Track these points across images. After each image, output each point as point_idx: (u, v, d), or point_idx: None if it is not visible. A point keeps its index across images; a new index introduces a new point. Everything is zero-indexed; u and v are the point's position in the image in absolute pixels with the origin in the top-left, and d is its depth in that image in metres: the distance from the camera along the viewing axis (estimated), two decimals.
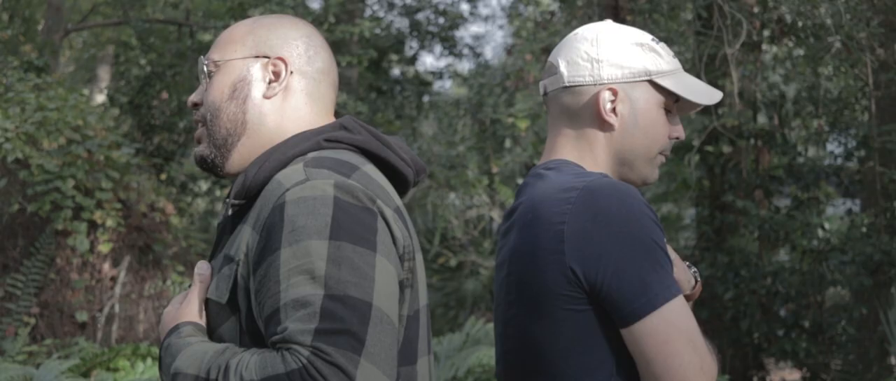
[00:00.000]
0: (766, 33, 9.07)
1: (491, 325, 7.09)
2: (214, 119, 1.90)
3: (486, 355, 6.06)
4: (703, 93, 2.13)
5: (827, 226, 8.99)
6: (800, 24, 8.70)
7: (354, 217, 1.68)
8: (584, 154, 2.11)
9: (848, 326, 8.95)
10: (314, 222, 1.65)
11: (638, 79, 2.08)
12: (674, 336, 1.87)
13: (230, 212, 1.86)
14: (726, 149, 9.35)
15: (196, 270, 1.87)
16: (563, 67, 2.11)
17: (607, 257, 1.89)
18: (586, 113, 2.10)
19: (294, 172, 1.74)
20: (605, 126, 2.09)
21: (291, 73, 1.91)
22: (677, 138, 2.15)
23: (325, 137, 1.85)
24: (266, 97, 1.90)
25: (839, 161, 9.84)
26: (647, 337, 1.88)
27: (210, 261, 1.88)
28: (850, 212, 9.58)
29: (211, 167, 1.93)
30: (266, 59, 1.91)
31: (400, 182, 1.94)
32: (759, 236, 9.46)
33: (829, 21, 8.04)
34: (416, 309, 1.83)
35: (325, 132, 1.86)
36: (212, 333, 1.82)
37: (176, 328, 1.82)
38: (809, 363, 9.19)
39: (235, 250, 1.78)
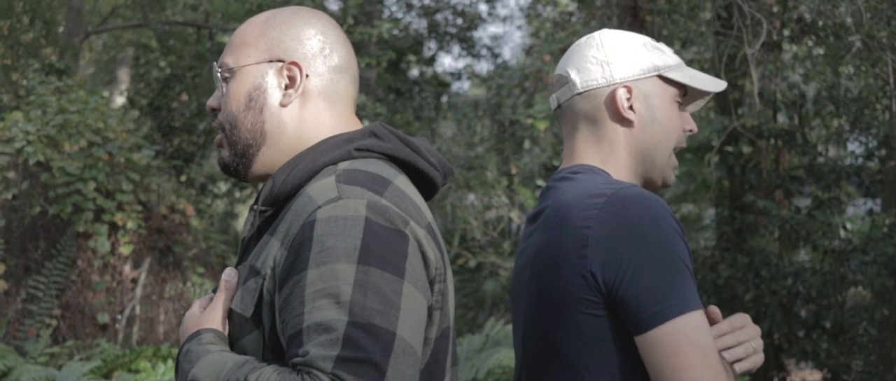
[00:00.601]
0: (787, 33, 9.03)
1: (511, 326, 7.07)
2: (234, 129, 1.87)
3: (506, 356, 6.06)
4: (708, 82, 2.17)
5: (849, 226, 8.94)
6: (820, 23, 8.65)
7: (385, 241, 1.64)
8: (606, 157, 2.12)
9: (869, 326, 8.90)
10: (343, 244, 1.62)
11: (648, 75, 2.12)
12: (686, 349, 1.85)
13: (257, 220, 1.84)
14: (746, 149, 9.32)
15: (224, 276, 1.84)
16: (574, 75, 2.15)
17: (627, 264, 1.89)
18: (604, 114, 2.12)
19: (326, 187, 1.71)
20: (624, 123, 2.12)
21: (307, 76, 1.86)
22: (691, 131, 2.19)
23: (355, 146, 1.81)
24: (283, 105, 1.86)
25: (860, 161, 9.78)
26: (658, 348, 1.86)
27: (236, 267, 1.86)
28: (871, 212, 9.52)
29: (234, 173, 1.91)
30: (280, 64, 1.87)
31: (428, 186, 1.92)
32: (779, 236, 9.41)
33: (849, 20, 8.00)
34: (445, 327, 1.81)
35: (355, 141, 1.83)
36: (233, 344, 1.80)
37: (197, 333, 1.80)
38: (830, 364, 9.14)
39: (262, 263, 1.75)
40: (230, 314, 1.80)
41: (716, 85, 2.16)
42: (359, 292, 1.59)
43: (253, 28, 1.90)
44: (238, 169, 1.89)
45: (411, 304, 1.64)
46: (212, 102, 1.91)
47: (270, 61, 1.87)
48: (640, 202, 1.94)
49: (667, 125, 2.13)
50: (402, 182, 1.80)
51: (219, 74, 1.89)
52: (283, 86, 1.86)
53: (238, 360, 1.70)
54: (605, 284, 1.91)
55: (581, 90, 2.13)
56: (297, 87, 1.85)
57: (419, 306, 1.66)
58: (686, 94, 2.18)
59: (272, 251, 1.73)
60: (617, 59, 2.12)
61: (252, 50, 1.88)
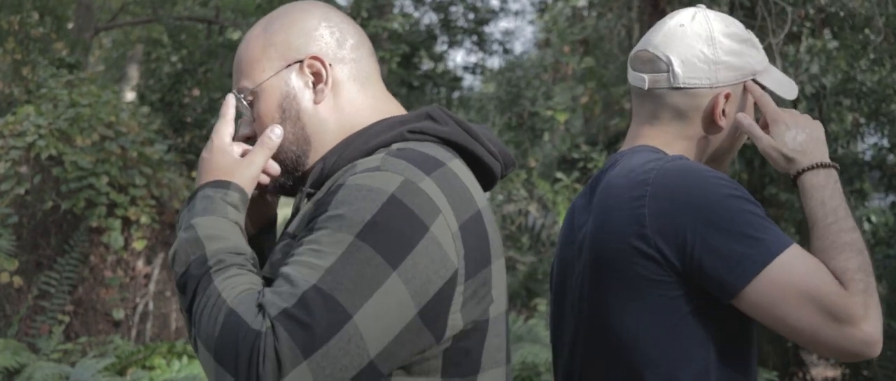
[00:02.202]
0: (808, 24, 8.93)
1: (533, 321, 6.98)
2: (278, 149, 1.77)
3: (530, 352, 5.94)
4: (787, 86, 2.08)
5: (873, 219, 8.84)
6: (841, 14, 8.55)
7: (397, 226, 1.54)
8: (675, 149, 2.03)
9: (891, 321, 8.79)
10: (355, 215, 1.54)
11: (746, 79, 2.03)
12: (779, 299, 1.76)
13: (305, 200, 1.74)
14: None
15: (268, 131, 1.76)
16: (677, 66, 2.01)
17: (694, 235, 1.79)
18: (697, 115, 2.02)
19: (373, 159, 1.63)
20: (712, 128, 2.02)
21: (330, 66, 1.77)
22: None
23: (409, 127, 1.72)
24: (317, 103, 1.77)
25: (881, 154, 9.69)
26: (754, 308, 1.78)
27: (276, 244, 1.75)
28: (894, 205, 9.44)
29: (293, 191, 1.82)
30: (299, 64, 1.77)
31: (487, 176, 1.81)
32: (800, 229, 9.31)
33: (874, 10, 7.90)
34: (483, 320, 1.67)
35: (409, 123, 1.74)
36: None
37: (226, 184, 1.73)
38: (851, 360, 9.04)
39: (295, 228, 1.68)
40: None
41: (791, 92, 2.07)
42: (340, 264, 1.50)
43: (255, 42, 1.81)
44: (295, 186, 1.80)
45: (388, 299, 1.52)
46: (246, 131, 1.81)
47: (288, 66, 1.77)
48: (687, 170, 1.86)
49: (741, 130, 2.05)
50: (458, 166, 1.69)
51: (243, 101, 1.80)
52: (310, 84, 1.77)
53: (239, 246, 1.65)
54: (680, 260, 1.81)
55: (682, 85, 2.01)
56: (326, 80, 1.76)
57: (400, 306, 1.53)
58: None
59: (304, 213, 1.67)
60: (726, 61, 2.00)
61: (265, 62, 1.79)
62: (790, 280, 1.75)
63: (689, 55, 2.00)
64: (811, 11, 8.60)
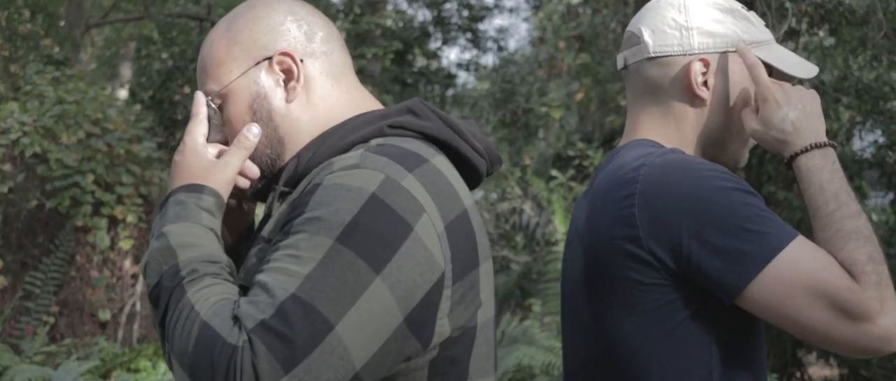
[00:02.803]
0: (806, 20, 8.86)
1: (527, 322, 6.88)
2: (251, 154, 1.68)
3: (526, 355, 5.82)
4: (798, 65, 1.91)
5: (874, 217, 8.77)
6: (840, 9, 8.48)
7: (379, 227, 1.45)
8: (669, 133, 1.89)
9: None
10: (334, 216, 1.45)
11: (730, 48, 1.87)
12: (786, 297, 1.63)
13: (278, 199, 1.65)
14: None
15: (245, 129, 1.66)
16: (647, 36, 1.89)
17: (689, 234, 1.66)
18: (675, 87, 1.88)
19: (352, 156, 1.54)
20: (695, 101, 1.87)
21: (301, 61, 1.68)
22: None
23: (389, 122, 1.63)
24: (289, 102, 1.68)
25: (881, 152, 9.63)
26: (759, 308, 1.66)
27: (250, 249, 1.66)
28: (893, 203, 9.38)
29: (266, 195, 1.72)
30: (267, 61, 1.68)
31: (472, 174, 1.71)
32: (799, 227, 9.25)
33: (874, 6, 7.83)
34: (471, 326, 1.58)
35: (390, 117, 1.65)
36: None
37: (201, 188, 1.63)
38: (851, 360, 9.01)
39: (269, 231, 1.59)
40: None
41: (807, 70, 1.92)
42: (320, 270, 1.42)
43: (219, 42, 1.71)
44: (271, 187, 1.70)
45: (373, 306, 1.43)
46: (217, 137, 1.71)
47: (256, 64, 1.68)
48: (677, 165, 1.72)
49: (741, 106, 1.89)
50: (441, 163, 1.60)
51: (211, 105, 1.69)
52: (281, 82, 1.68)
53: (213, 254, 1.55)
54: (675, 263, 1.67)
55: (653, 55, 1.88)
56: (297, 76, 1.68)
57: (385, 312, 1.44)
58: (770, 74, 1.90)
59: (278, 215, 1.60)
60: (699, 25, 1.86)
61: (230, 63, 1.69)
62: (796, 276, 1.63)
63: (660, 24, 1.89)
64: (809, 7, 8.53)
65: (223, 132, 1.71)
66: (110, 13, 14.41)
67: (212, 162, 1.66)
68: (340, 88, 1.71)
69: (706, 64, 1.85)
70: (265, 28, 1.70)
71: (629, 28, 1.96)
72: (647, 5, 1.96)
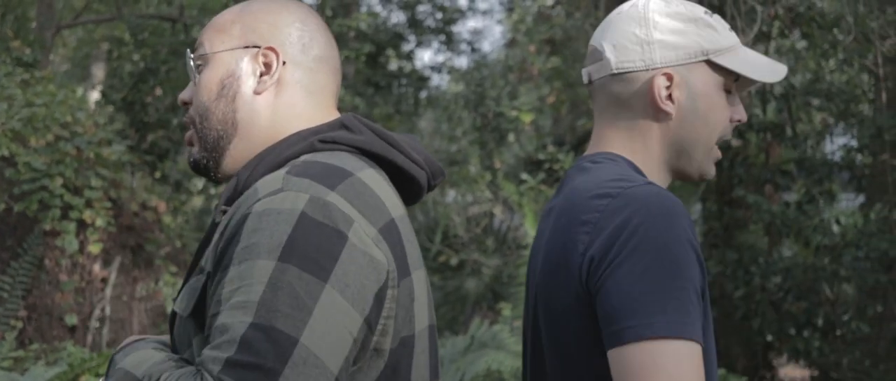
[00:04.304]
0: (777, 24, 8.91)
1: (497, 327, 6.88)
2: (204, 120, 1.75)
3: (494, 359, 5.81)
4: (765, 69, 1.88)
5: (842, 220, 8.81)
6: (810, 13, 8.54)
7: (315, 240, 1.49)
8: (635, 147, 1.86)
9: (861, 323, 8.77)
10: (268, 239, 1.48)
11: (694, 60, 1.84)
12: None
13: (219, 219, 1.68)
14: (735, 142, 9.17)
15: None
16: (609, 52, 1.87)
17: (614, 261, 1.61)
18: (639, 102, 1.85)
19: (274, 179, 1.57)
20: (660, 115, 1.85)
21: (283, 63, 1.74)
22: (739, 121, 1.91)
23: (320, 137, 1.67)
24: (256, 93, 1.73)
25: (850, 154, 9.68)
26: (622, 372, 1.57)
27: (191, 269, 1.70)
28: (863, 206, 9.43)
29: (204, 171, 1.78)
30: (256, 50, 1.74)
31: (411, 185, 1.75)
32: (768, 231, 9.30)
33: (840, 10, 7.88)
34: (407, 336, 1.61)
35: (321, 132, 1.69)
36: (183, 350, 1.65)
37: (143, 339, 1.73)
38: (820, 362, 9.05)
39: (206, 260, 1.61)
40: (174, 318, 1.68)
41: (774, 73, 1.88)
42: (269, 292, 1.45)
43: (228, 15, 1.80)
44: (208, 166, 1.77)
45: (329, 311, 1.47)
46: (184, 95, 1.80)
47: (245, 47, 1.75)
48: (652, 205, 1.66)
49: (710, 118, 1.86)
50: (369, 176, 1.64)
51: (192, 63, 1.78)
52: (257, 73, 1.75)
53: (165, 357, 1.62)
54: (589, 287, 1.65)
55: (615, 71, 1.86)
56: (273, 73, 1.73)
57: (342, 314, 1.48)
58: (737, 79, 1.89)
59: (212, 245, 1.61)
60: (660, 39, 1.83)
61: (226, 36, 1.77)
62: (674, 370, 1.53)
63: (621, 39, 1.86)
64: (780, 11, 8.58)
65: (191, 90, 1.78)
66: (82, 14, 14.32)
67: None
68: (309, 104, 1.75)
69: (669, 77, 1.82)
70: (270, 21, 1.76)
71: (592, 42, 1.94)
72: (609, 18, 1.93)
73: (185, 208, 12.02)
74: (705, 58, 1.84)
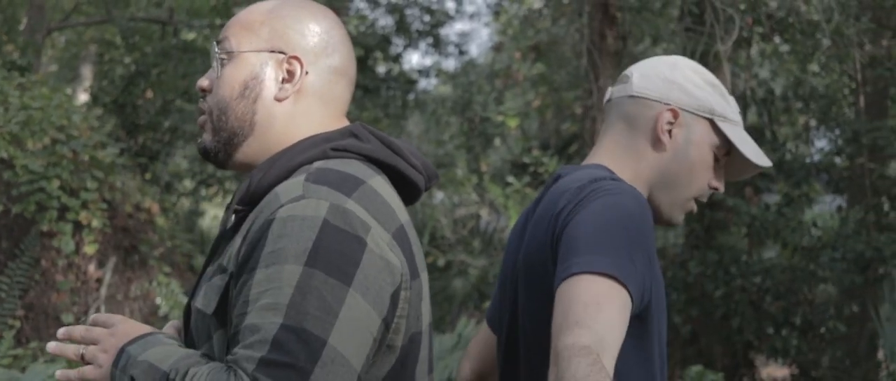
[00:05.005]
0: (759, 30, 9.07)
1: (483, 325, 6.99)
2: (222, 115, 1.82)
3: None
4: (755, 151, 2.12)
5: (819, 223, 8.98)
6: (790, 20, 8.69)
7: (338, 246, 1.60)
8: (627, 164, 2.10)
9: (838, 323, 8.94)
10: (295, 245, 1.58)
11: (701, 113, 2.09)
12: (572, 309, 1.71)
13: (233, 219, 1.80)
14: None
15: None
16: (635, 78, 2.13)
17: (571, 220, 1.85)
18: (644, 125, 2.10)
19: (293, 185, 1.67)
20: (657, 145, 2.09)
21: (306, 73, 1.82)
22: (716, 189, 2.14)
23: (332, 145, 1.77)
24: (277, 99, 1.81)
25: (829, 157, 9.84)
26: (560, 297, 1.76)
27: (207, 267, 1.82)
28: (840, 208, 9.57)
29: (213, 160, 1.87)
30: (281, 56, 1.82)
31: (410, 190, 1.88)
32: (748, 233, 9.44)
33: (818, 17, 8.03)
34: (416, 332, 1.76)
35: (333, 140, 1.78)
36: (200, 344, 1.75)
37: (151, 333, 1.77)
38: (800, 361, 9.19)
39: (228, 260, 1.72)
40: (194, 313, 1.76)
41: (761, 159, 2.12)
42: (298, 295, 1.55)
43: (258, 14, 1.86)
44: (219, 156, 1.85)
45: (354, 313, 1.58)
46: (203, 82, 1.86)
47: (272, 51, 1.82)
48: (622, 191, 1.90)
49: (695, 169, 2.10)
50: (379, 183, 1.75)
51: (217, 54, 1.85)
52: (280, 79, 1.82)
53: (189, 352, 1.69)
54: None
55: (634, 94, 2.11)
56: (295, 82, 1.81)
57: (365, 316, 1.60)
58: (728, 153, 2.13)
59: (236, 247, 1.71)
60: (681, 84, 2.09)
61: (254, 37, 1.83)
62: (597, 299, 1.72)
63: (650, 71, 2.12)
64: (762, 18, 8.73)
65: (212, 82, 1.85)
66: (72, 16, 14.35)
67: (144, 325, 1.80)
68: (324, 113, 1.84)
69: (675, 115, 2.07)
70: (298, 29, 1.83)
71: (625, 72, 2.18)
72: (650, 58, 2.20)
73: (175, 208, 12.11)
74: (711, 116, 2.09)
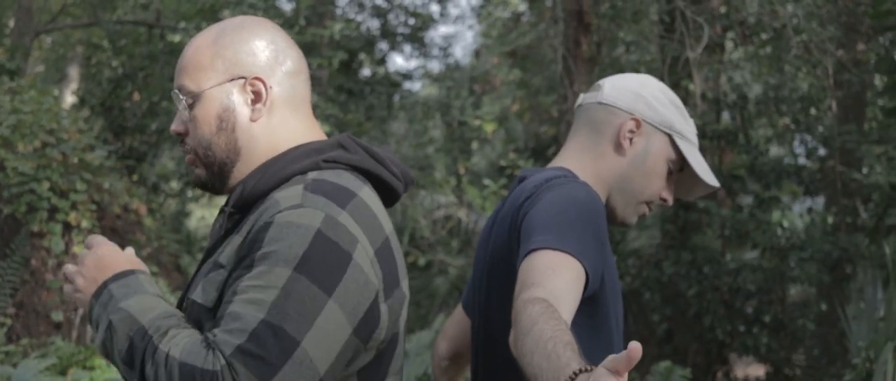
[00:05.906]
0: (731, 36, 9.22)
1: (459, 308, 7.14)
2: (208, 151, 1.90)
3: None
4: (707, 171, 2.31)
5: (785, 224, 9.14)
6: (763, 25, 8.83)
7: (326, 257, 1.71)
8: (587, 164, 2.28)
9: (809, 321, 9.09)
10: (287, 250, 1.70)
11: (662, 128, 2.28)
12: (526, 281, 1.83)
13: (225, 222, 1.90)
14: None
15: (88, 240, 1.92)
16: (606, 88, 2.31)
17: (536, 201, 2.04)
18: (607, 130, 2.28)
19: (293, 194, 1.78)
20: (618, 149, 2.27)
21: (270, 88, 1.90)
22: (664, 201, 2.32)
23: (324, 157, 1.87)
24: (253, 120, 1.90)
25: (801, 160, 9.98)
26: (521, 272, 1.88)
27: (201, 266, 1.92)
28: (810, 210, 9.70)
29: (210, 189, 1.96)
30: (242, 81, 1.89)
31: (390, 195, 1.99)
32: (721, 234, 9.59)
33: (794, 21, 8.16)
34: (395, 332, 1.89)
35: (323, 152, 1.88)
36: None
37: (133, 271, 1.85)
38: (772, 359, 9.34)
39: (226, 258, 1.81)
40: (189, 305, 1.85)
41: (710, 179, 2.30)
42: (282, 296, 1.67)
43: (205, 50, 1.91)
44: (215, 186, 1.94)
45: (329, 324, 1.70)
46: (177, 127, 1.93)
47: (232, 80, 1.89)
48: (573, 184, 2.10)
49: (650, 176, 2.28)
50: (367, 194, 1.86)
51: (182, 101, 1.91)
52: (249, 101, 1.89)
53: (169, 309, 1.78)
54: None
55: (604, 101, 2.30)
56: (265, 100, 1.89)
57: (338, 327, 1.72)
58: (682, 169, 2.31)
59: (234, 245, 1.81)
60: (648, 100, 2.27)
61: (210, 72, 1.89)
62: (535, 267, 1.87)
63: (621, 84, 2.31)
64: (735, 25, 8.87)
65: (186, 125, 1.91)
66: (59, 18, 14.37)
67: (135, 260, 1.89)
68: (297, 117, 1.93)
69: (638, 125, 2.26)
70: (247, 50, 1.90)
71: (598, 81, 2.37)
72: (625, 74, 2.38)
73: (162, 209, 12.21)
74: (670, 132, 2.28)
